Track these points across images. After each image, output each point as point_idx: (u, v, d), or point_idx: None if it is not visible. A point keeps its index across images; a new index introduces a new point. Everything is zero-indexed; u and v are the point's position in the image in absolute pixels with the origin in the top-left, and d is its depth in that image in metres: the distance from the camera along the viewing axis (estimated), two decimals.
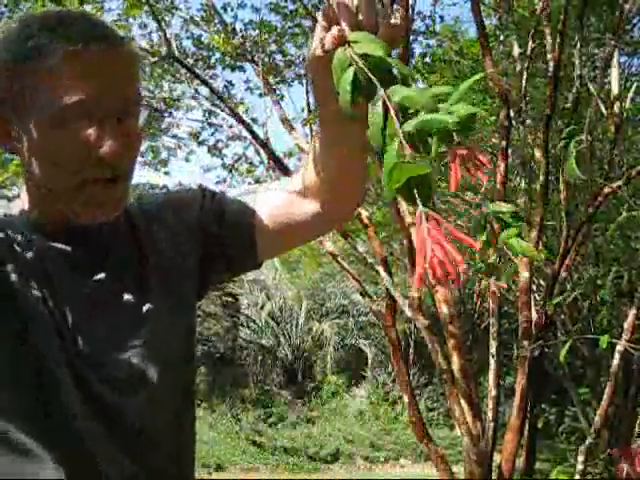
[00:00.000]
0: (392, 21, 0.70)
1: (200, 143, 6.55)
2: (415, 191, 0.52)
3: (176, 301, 0.89)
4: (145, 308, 0.85)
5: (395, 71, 0.60)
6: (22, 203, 0.85)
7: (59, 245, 0.83)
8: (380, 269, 3.58)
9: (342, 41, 0.65)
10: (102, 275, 0.84)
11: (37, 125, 0.76)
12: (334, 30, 0.67)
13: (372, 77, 0.59)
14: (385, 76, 0.59)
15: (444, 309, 3.44)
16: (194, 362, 0.94)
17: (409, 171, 0.51)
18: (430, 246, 0.49)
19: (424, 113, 0.55)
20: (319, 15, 0.71)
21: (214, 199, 0.94)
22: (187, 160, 7.51)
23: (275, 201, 0.93)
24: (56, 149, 0.76)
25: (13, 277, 0.79)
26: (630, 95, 4.42)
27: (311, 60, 0.74)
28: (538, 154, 3.78)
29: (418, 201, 0.51)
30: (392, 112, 0.56)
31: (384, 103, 0.57)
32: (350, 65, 0.61)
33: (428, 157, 0.55)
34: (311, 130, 4.61)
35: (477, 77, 0.64)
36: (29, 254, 0.81)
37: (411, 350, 13.46)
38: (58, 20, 0.77)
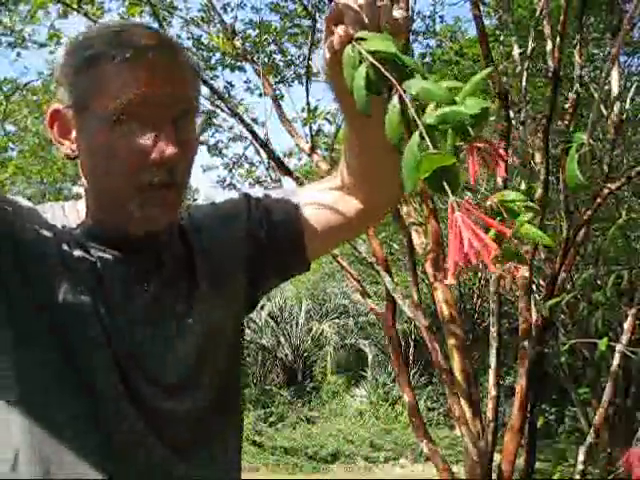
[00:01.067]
0: (395, 15, 0.70)
1: (200, 143, 6.55)
2: (444, 181, 0.53)
3: (225, 309, 0.90)
4: (195, 316, 0.86)
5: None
6: (78, 211, 0.86)
7: (114, 252, 0.84)
8: (380, 269, 3.58)
9: (348, 39, 0.65)
10: (155, 284, 0.85)
11: (95, 129, 0.78)
12: (340, 29, 0.67)
13: (386, 72, 0.59)
14: (399, 71, 0.60)
15: (444, 309, 3.44)
16: (240, 371, 0.95)
17: (437, 161, 0.52)
18: (465, 234, 0.50)
19: (441, 106, 0.56)
20: (324, 17, 0.73)
21: (259, 205, 0.94)
22: None
23: (320, 201, 0.94)
24: (113, 153, 0.78)
25: (60, 283, 0.79)
26: (630, 95, 4.42)
27: (324, 63, 0.75)
28: (538, 154, 3.78)
29: (448, 191, 0.52)
30: (410, 105, 0.57)
31: (400, 97, 0.58)
32: (361, 62, 0.61)
33: (448, 149, 0.56)
34: (311, 130, 4.61)
35: (487, 71, 0.65)
36: (83, 261, 0.82)
37: (411, 350, 13.46)
38: (115, 30, 0.80)
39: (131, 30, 0.80)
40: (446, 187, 0.53)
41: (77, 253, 0.82)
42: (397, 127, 0.58)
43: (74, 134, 0.82)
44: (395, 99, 0.58)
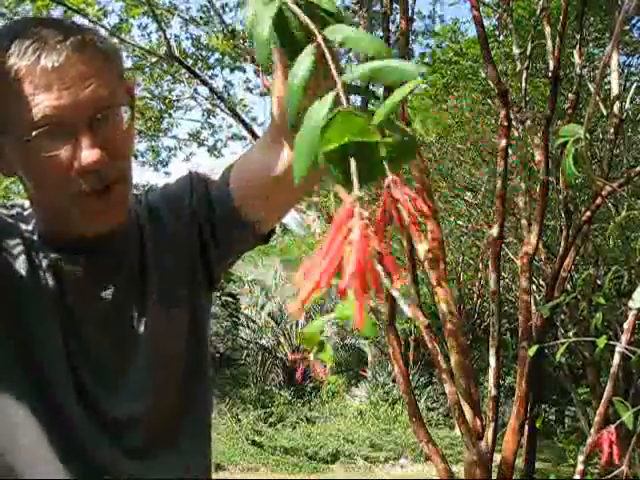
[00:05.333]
0: None
1: (200, 144, 6.55)
2: (353, 163, 0.35)
3: (179, 306, 0.88)
4: (148, 320, 0.85)
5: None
6: (34, 222, 0.85)
7: (70, 256, 0.83)
8: (380, 269, 3.57)
9: None
10: (111, 288, 0.84)
11: (20, 148, 0.75)
12: None
13: (303, 15, 0.43)
14: (320, 14, 0.44)
15: (444, 309, 3.44)
16: (205, 367, 0.92)
17: (352, 125, 0.35)
18: (359, 252, 0.34)
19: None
20: None
21: (200, 181, 0.90)
22: (187, 159, 7.53)
23: (250, 159, 0.87)
24: (38, 169, 0.75)
25: (20, 283, 0.80)
26: (630, 95, 4.42)
27: None
28: (538, 154, 3.78)
29: (355, 179, 0.35)
30: (329, 55, 0.41)
31: (318, 47, 0.42)
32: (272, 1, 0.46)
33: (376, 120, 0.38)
34: None
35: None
36: (42, 268, 0.82)
37: (411, 350, 13.45)
38: (11, 37, 0.74)
39: (24, 38, 0.73)
40: (354, 173, 0.34)
41: (36, 254, 0.82)
42: (302, 88, 0.41)
43: (6, 157, 0.79)
44: (310, 47, 0.42)
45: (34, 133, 0.72)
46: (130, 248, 0.87)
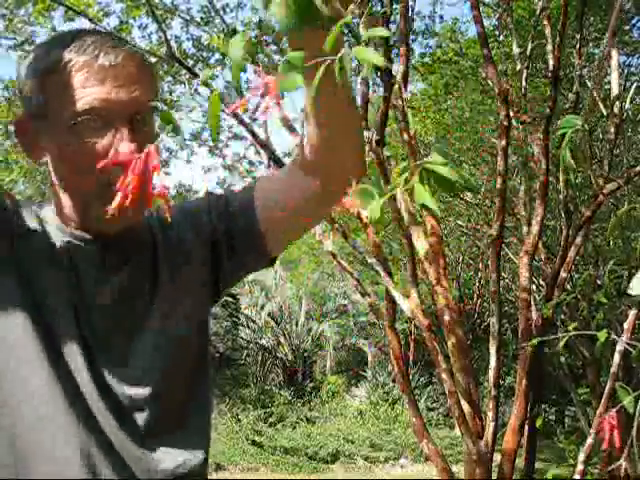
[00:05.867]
0: None
1: (201, 144, 6.55)
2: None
3: (186, 306, 0.92)
4: (155, 313, 0.89)
5: None
6: (52, 210, 0.90)
7: (87, 247, 0.88)
8: (380, 269, 3.58)
9: None
10: (122, 277, 0.88)
11: (60, 133, 0.82)
12: None
13: None
14: None
15: (444, 309, 3.45)
16: (207, 363, 0.96)
17: None
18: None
19: None
20: None
21: (219, 200, 0.96)
22: (189, 162, 7.54)
23: (274, 186, 0.95)
24: (74, 155, 0.82)
25: (38, 257, 0.84)
26: (630, 95, 4.42)
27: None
28: (537, 153, 3.78)
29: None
30: None
31: None
32: None
33: None
34: None
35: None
36: (58, 247, 0.86)
37: (411, 350, 13.46)
38: (72, 36, 0.83)
39: (86, 35, 0.83)
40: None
41: (53, 234, 0.87)
42: None
43: (40, 142, 0.86)
44: None
45: (80, 119, 0.80)
46: (141, 248, 0.92)
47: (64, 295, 0.84)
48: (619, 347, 1.77)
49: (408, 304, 3.40)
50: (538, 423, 3.74)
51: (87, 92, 0.80)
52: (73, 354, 0.82)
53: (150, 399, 0.86)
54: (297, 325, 14.23)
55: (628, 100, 4.29)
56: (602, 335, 1.43)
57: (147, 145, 0.80)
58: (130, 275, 0.89)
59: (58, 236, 0.87)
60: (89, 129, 0.81)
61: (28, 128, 0.86)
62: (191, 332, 0.93)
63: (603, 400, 1.86)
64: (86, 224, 0.87)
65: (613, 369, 1.85)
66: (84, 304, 0.85)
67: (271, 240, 0.94)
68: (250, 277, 15.09)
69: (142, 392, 0.86)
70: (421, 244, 3.52)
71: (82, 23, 4.87)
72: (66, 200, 0.88)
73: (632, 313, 1.76)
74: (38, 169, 7.15)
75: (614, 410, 1.41)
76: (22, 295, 0.82)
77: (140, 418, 0.85)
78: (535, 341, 2.45)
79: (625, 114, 4.05)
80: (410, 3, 3.69)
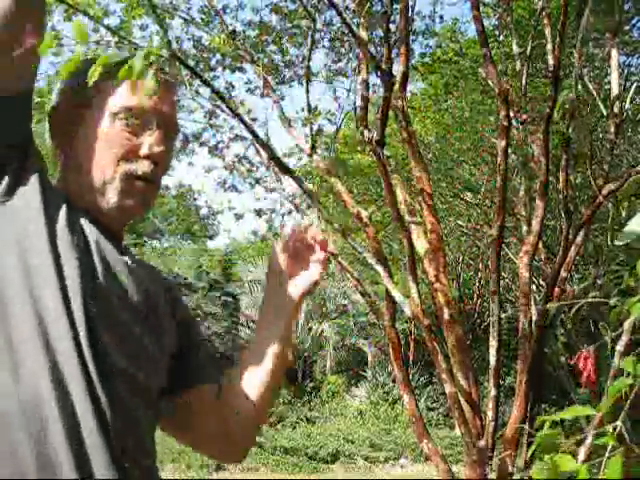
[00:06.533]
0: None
1: (201, 144, 6.55)
2: None
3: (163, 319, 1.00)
4: (144, 309, 0.94)
5: None
6: (67, 184, 0.96)
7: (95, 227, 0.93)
8: (380, 269, 3.58)
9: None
10: (123, 265, 0.93)
11: (102, 122, 0.93)
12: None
13: None
14: None
15: (444, 309, 3.45)
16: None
17: None
18: None
19: None
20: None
21: (190, 317, 1.09)
22: (191, 164, 7.54)
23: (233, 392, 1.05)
24: (110, 141, 0.92)
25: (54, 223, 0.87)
26: (630, 95, 4.42)
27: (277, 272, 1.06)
28: (537, 154, 3.78)
29: None
30: None
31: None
32: None
33: None
34: (311, 130, 4.61)
35: None
36: (74, 222, 0.89)
37: (411, 350, 13.46)
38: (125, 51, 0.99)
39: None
40: None
41: (70, 211, 0.90)
42: None
43: (75, 129, 0.95)
44: None
45: (124, 113, 0.92)
46: (128, 258, 0.98)
47: (77, 261, 0.85)
48: (619, 347, 1.77)
49: (408, 304, 3.40)
50: (538, 423, 3.73)
51: (135, 93, 0.90)
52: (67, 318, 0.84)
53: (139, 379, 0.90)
54: (297, 325, 14.23)
55: (628, 100, 4.29)
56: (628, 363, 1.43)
57: (169, 159, 0.98)
58: (128, 269, 0.94)
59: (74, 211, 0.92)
60: (128, 123, 0.93)
61: (68, 115, 0.95)
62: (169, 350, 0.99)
63: (603, 400, 1.86)
64: (98, 207, 0.93)
65: (613, 369, 1.85)
66: (93, 279, 0.87)
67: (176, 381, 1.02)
68: (250, 277, 15.08)
69: (136, 375, 0.89)
70: (421, 243, 3.52)
71: (81, 22, 4.86)
72: (81, 184, 0.94)
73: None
74: None
75: (592, 347, 1.43)
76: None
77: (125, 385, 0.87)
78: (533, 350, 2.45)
79: (625, 114, 4.05)
80: (410, 3, 3.69)
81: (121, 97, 0.93)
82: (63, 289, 0.82)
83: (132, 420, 0.86)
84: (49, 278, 0.82)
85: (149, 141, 0.94)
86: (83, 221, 0.91)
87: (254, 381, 1.03)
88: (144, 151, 0.93)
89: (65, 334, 0.80)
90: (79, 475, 0.76)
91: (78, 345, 0.81)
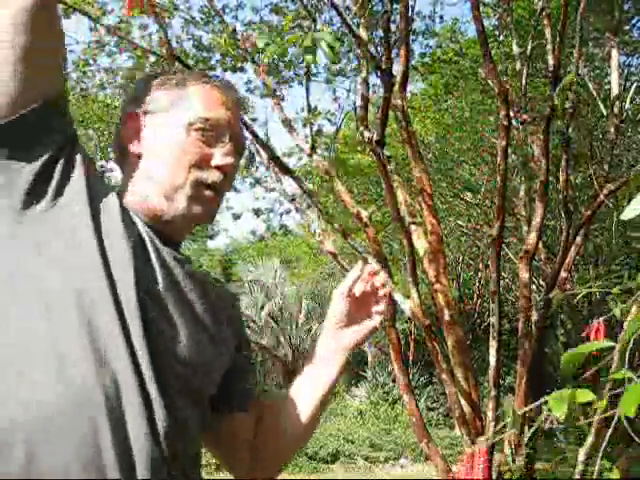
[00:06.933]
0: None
1: None
2: None
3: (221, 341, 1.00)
4: (204, 318, 0.95)
5: None
6: (134, 190, 0.97)
7: (153, 232, 0.95)
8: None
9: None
10: (179, 270, 0.95)
11: (175, 130, 0.97)
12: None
13: None
14: None
15: (444, 310, 3.44)
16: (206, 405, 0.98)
17: None
18: None
19: None
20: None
21: (247, 340, 1.10)
22: None
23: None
24: (185, 150, 0.96)
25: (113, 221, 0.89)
26: (630, 95, 4.42)
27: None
28: (537, 154, 3.78)
29: None
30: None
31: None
32: None
33: None
34: (311, 130, 4.61)
35: None
36: (134, 223, 0.92)
37: (411, 350, 13.46)
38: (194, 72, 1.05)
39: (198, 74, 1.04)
40: None
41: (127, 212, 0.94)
42: None
43: (144, 133, 0.98)
44: None
45: (199, 124, 0.96)
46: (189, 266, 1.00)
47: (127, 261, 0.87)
48: (618, 347, 1.77)
49: (408, 304, 3.40)
50: (538, 422, 3.73)
51: (211, 106, 0.98)
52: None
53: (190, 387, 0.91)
54: (297, 325, 14.23)
55: (628, 100, 4.29)
56: (616, 291, 1.44)
57: (235, 169, 1.00)
58: (186, 274, 0.95)
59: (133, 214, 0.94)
60: (202, 134, 0.96)
61: (137, 120, 0.99)
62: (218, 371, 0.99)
63: (602, 400, 1.85)
64: (161, 212, 0.95)
65: (613, 369, 1.85)
66: (149, 279, 0.89)
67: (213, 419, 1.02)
68: (250, 277, 15.08)
69: (189, 377, 0.91)
70: (421, 244, 3.53)
71: (79, 20, 4.87)
72: (149, 191, 0.96)
73: (632, 312, 1.76)
74: None
75: (602, 319, 1.44)
76: (93, 230, 0.85)
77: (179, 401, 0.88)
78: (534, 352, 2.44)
79: (625, 114, 4.05)
80: (410, 3, 3.69)
81: (199, 108, 0.97)
82: (116, 299, 0.83)
83: (183, 426, 0.86)
84: (103, 294, 0.82)
85: (221, 152, 0.97)
86: (141, 227, 0.93)
87: (303, 408, 1.06)
88: (216, 161, 0.97)
89: (119, 340, 0.81)
90: (123, 477, 0.76)
91: (131, 348, 0.81)
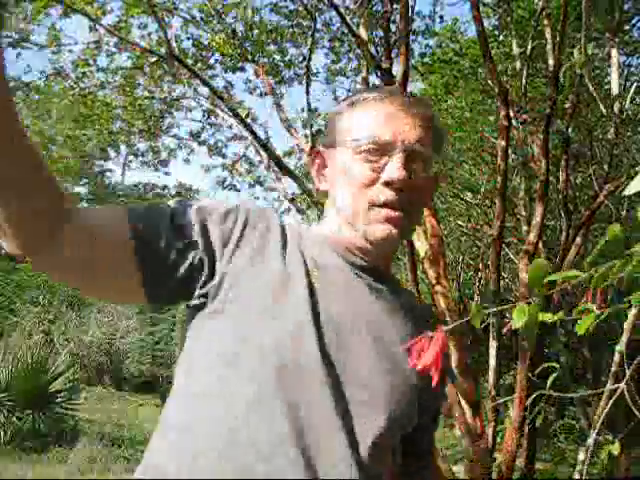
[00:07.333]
0: None
1: (200, 143, 6.55)
2: None
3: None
4: (398, 352, 0.91)
5: None
6: (328, 224, 1.00)
7: (342, 262, 0.95)
8: None
9: None
10: (370, 300, 0.94)
11: (343, 158, 0.96)
12: None
13: None
14: None
15: (445, 311, 3.44)
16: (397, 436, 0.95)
17: None
18: None
19: None
20: None
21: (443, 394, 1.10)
22: (187, 161, 7.54)
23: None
24: (353, 175, 0.94)
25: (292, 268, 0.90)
26: (630, 95, 4.42)
27: None
28: (537, 154, 3.78)
29: None
30: None
31: None
32: None
33: None
34: (311, 130, 4.61)
35: None
36: (319, 259, 0.94)
37: None
38: (372, 87, 1.06)
39: (381, 87, 1.03)
40: None
41: (297, 245, 0.94)
42: None
43: (325, 169, 1.00)
44: None
45: (363, 145, 0.93)
46: (389, 287, 0.98)
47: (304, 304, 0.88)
48: (619, 347, 1.77)
49: None
50: (538, 423, 3.74)
51: (374, 123, 0.94)
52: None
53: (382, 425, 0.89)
54: None
55: (628, 100, 4.29)
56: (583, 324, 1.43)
57: (419, 182, 0.94)
58: (380, 307, 0.94)
59: (321, 247, 0.96)
60: (367, 155, 0.93)
61: (321, 156, 1.01)
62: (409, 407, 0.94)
63: (603, 400, 1.86)
64: (350, 240, 0.96)
65: (613, 369, 1.85)
66: (328, 311, 0.89)
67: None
68: None
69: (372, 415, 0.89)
70: (421, 245, 3.52)
71: (79, 21, 4.87)
72: (339, 221, 0.97)
73: (632, 313, 1.76)
74: None
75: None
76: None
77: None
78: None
79: (625, 114, 4.05)
80: (410, 3, 3.69)
81: (361, 129, 0.95)
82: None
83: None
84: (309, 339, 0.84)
85: (389, 168, 0.92)
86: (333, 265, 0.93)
87: None
88: (384, 178, 0.92)
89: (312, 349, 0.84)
90: None
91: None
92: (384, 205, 0.92)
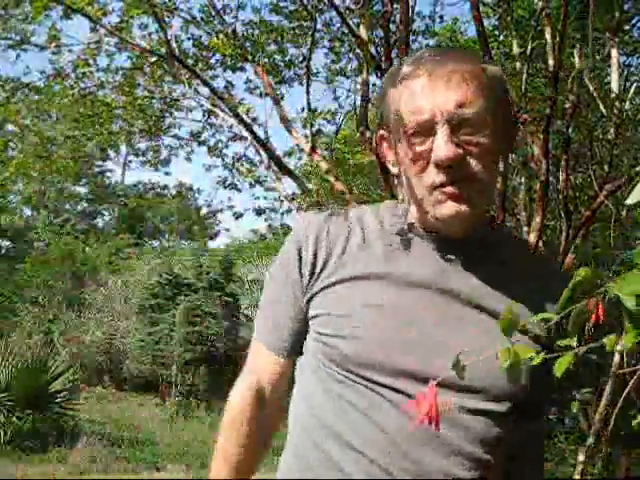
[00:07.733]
0: None
1: (201, 143, 6.55)
2: None
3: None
4: (490, 334, 0.85)
5: None
6: (405, 206, 1.00)
7: (426, 244, 0.95)
8: None
9: None
10: (457, 285, 0.92)
11: (397, 141, 0.94)
12: None
13: None
14: None
15: None
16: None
17: None
18: None
19: None
20: None
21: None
22: (189, 160, 7.53)
23: None
24: (407, 161, 0.92)
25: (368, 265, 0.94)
26: (630, 95, 4.42)
27: None
28: (537, 154, 3.78)
29: None
30: None
31: None
32: None
33: None
34: (311, 130, 4.61)
35: None
36: (396, 245, 0.95)
37: None
38: (417, 53, 0.95)
39: (425, 51, 0.94)
40: None
41: (395, 236, 0.97)
42: None
43: (387, 151, 0.99)
44: None
45: (407, 128, 0.90)
46: (485, 268, 0.94)
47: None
48: (619, 347, 1.77)
49: None
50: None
51: (412, 104, 0.89)
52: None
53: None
54: None
55: (628, 100, 4.29)
56: (610, 344, 1.43)
57: (474, 144, 0.88)
58: (471, 286, 0.92)
59: (402, 232, 0.96)
60: (414, 136, 0.89)
61: (385, 141, 0.99)
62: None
63: (603, 400, 1.86)
64: (426, 222, 0.95)
65: (613, 369, 1.85)
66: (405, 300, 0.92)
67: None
68: (250, 277, 15.06)
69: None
70: None
71: (79, 21, 4.87)
72: (415, 209, 0.96)
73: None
74: (32, 166, 6.85)
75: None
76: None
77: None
78: None
79: (625, 114, 4.05)
80: (410, 3, 3.69)
81: (404, 112, 0.91)
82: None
83: None
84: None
85: (435, 148, 0.88)
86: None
87: None
88: (434, 161, 0.88)
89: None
90: None
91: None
92: (442, 185, 0.89)
